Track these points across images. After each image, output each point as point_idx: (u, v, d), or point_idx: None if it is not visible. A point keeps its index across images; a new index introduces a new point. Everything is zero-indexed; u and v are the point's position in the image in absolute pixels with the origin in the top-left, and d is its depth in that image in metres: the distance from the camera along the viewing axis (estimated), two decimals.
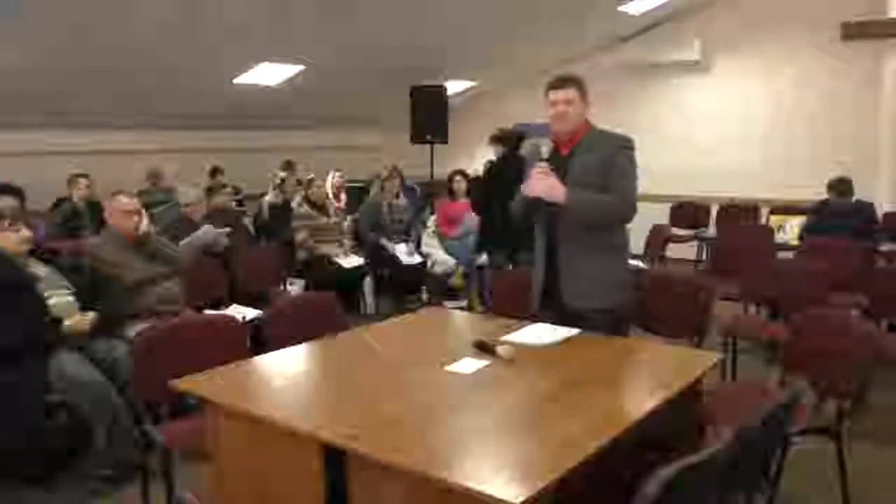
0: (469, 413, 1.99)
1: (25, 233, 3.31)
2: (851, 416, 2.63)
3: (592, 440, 1.73)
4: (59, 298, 3.34)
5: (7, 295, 3.09)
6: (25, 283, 3.21)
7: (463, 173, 6.84)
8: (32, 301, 3.18)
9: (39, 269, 3.37)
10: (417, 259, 6.29)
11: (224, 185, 6.97)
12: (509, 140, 5.44)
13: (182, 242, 4.47)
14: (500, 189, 5.34)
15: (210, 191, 5.66)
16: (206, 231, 4.81)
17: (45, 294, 3.27)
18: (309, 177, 6.32)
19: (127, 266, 3.68)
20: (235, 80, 6.97)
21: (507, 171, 5.37)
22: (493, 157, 5.92)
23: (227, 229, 4.98)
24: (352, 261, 5.93)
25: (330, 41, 6.51)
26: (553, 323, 2.81)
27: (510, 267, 5.30)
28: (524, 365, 2.35)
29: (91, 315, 3.31)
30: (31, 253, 3.38)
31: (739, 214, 7.45)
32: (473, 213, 6.15)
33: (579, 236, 2.81)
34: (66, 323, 3.22)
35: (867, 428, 3.48)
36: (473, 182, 6.60)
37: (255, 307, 4.18)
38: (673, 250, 7.06)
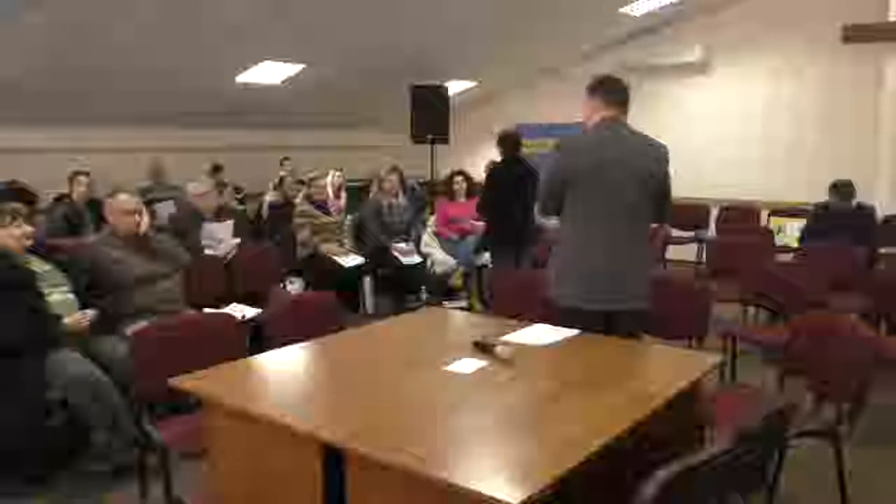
0: (469, 413, 1.98)
1: (26, 228, 3.31)
2: (850, 419, 2.63)
3: (592, 440, 1.73)
4: (59, 296, 3.34)
5: (7, 293, 3.09)
6: (25, 280, 3.21)
7: (464, 173, 6.84)
8: (32, 299, 3.18)
9: (40, 266, 3.37)
10: (417, 259, 6.29)
11: (225, 184, 6.98)
12: (506, 142, 5.43)
13: (205, 230, 4.58)
14: (503, 190, 5.36)
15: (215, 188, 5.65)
16: (228, 230, 4.83)
17: (45, 292, 3.27)
18: (311, 175, 6.32)
19: (127, 264, 3.68)
20: (236, 80, 6.97)
21: (508, 172, 5.38)
22: (497, 158, 5.91)
23: (237, 240, 5.00)
24: (352, 260, 5.93)
25: (330, 41, 6.51)
26: None
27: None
28: (524, 365, 2.35)
29: (91, 313, 3.31)
30: (32, 250, 3.38)
31: (739, 216, 7.45)
32: (475, 221, 6.16)
33: None
34: (66, 321, 3.22)
35: (867, 429, 3.47)
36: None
37: (255, 306, 4.18)
38: (672, 252, 7.06)
